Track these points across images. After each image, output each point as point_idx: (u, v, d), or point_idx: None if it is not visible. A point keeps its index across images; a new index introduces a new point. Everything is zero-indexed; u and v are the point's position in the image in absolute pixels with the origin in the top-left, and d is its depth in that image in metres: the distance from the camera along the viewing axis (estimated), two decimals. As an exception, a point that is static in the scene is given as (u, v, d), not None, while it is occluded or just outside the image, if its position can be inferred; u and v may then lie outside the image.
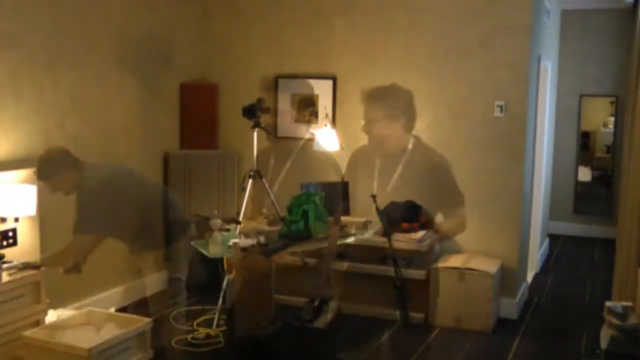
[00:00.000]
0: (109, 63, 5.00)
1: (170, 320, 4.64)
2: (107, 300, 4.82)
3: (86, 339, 3.46)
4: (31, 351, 3.47)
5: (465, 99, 5.20)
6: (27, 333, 3.52)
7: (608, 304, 3.70)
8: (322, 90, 5.63)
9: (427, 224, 5.26)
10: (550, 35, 6.78)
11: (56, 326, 3.67)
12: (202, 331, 4.63)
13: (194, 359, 4.30)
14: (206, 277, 5.21)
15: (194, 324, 4.75)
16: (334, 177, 5.52)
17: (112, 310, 4.18)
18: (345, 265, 5.14)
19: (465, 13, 5.15)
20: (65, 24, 4.58)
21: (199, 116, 5.85)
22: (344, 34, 5.53)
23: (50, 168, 3.81)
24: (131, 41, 5.18)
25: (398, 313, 4.96)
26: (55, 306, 4.08)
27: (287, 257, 4.81)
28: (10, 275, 3.63)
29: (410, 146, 5.39)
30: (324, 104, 5.58)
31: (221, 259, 4.62)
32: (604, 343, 3.54)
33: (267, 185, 5.11)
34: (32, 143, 4.32)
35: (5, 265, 3.65)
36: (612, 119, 8.34)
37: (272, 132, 5.71)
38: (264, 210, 5.39)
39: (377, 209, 4.92)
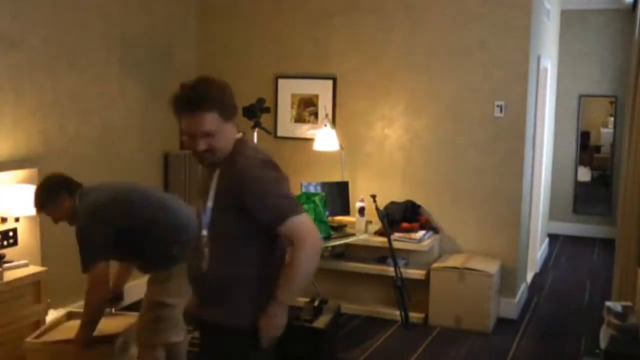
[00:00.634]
0: (109, 63, 5.01)
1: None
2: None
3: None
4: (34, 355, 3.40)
5: (465, 99, 5.20)
6: (29, 339, 3.37)
7: (608, 303, 3.70)
8: (322, 90, 5.63)
9: (427, 224, 5.27)
10: (550, 35, 6.78)
11: (55, 327, 3.65)
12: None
13: (194, 359, 4.29)
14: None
15: (194, 323, 4.74)
16: (334, 177, 5.53)
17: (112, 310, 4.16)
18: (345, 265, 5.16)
19: (465, 13, 5.15)
20: (66, 24, 4.59)
21: (199, 116, 5.83)
22: (344, 34, 5.53)
23: (50, 197, 3.23)
24: (131, 41, 5.19)
25: (398, 313, 4.97)
26: (55, 306, 4.07)
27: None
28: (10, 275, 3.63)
29: None
30: (324, 104, 5.59)
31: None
32: (603, 343, 3.53)
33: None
34: (32, 143, 4.32)
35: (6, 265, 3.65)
36: (612, 119, 8.35)
37: (271, 132, 5.71)
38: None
39: (377, 209, 4.92)
